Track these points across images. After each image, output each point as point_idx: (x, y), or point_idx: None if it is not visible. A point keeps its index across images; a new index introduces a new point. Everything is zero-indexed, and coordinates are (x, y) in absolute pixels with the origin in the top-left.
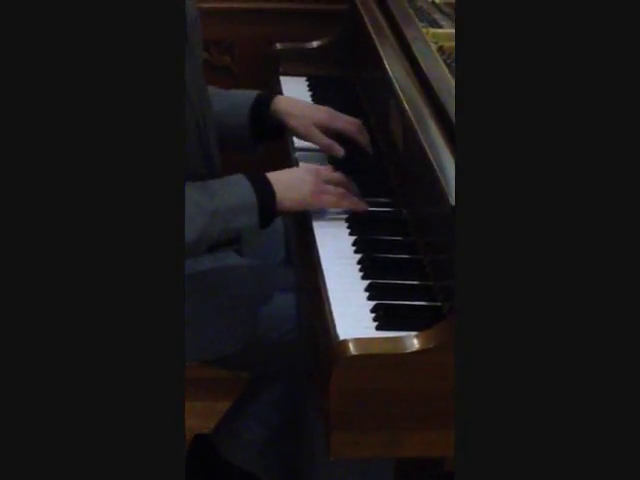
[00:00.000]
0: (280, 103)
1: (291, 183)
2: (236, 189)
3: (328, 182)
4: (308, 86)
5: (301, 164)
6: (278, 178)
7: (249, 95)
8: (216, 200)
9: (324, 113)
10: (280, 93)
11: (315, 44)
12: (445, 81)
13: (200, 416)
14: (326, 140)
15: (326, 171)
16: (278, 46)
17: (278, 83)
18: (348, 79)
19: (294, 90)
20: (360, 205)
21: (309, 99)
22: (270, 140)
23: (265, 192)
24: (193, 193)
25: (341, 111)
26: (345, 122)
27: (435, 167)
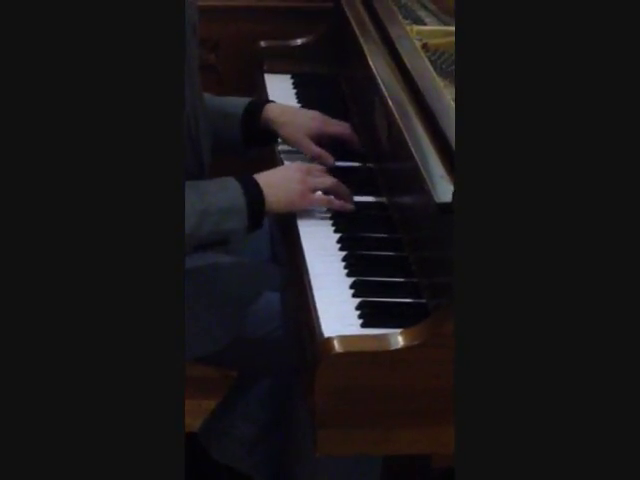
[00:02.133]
0: (271, 111)
1: (279, 184)
2: (226, 192)
3: (319, 178)
4: (293, 84)
5: (289, 162)
6: (267, 180)
7: (241, 102)
8: (207, 201)
9: (315, 121)
10: (264, 91)
11: (300, 42)
12: (429, 78)
13: (187, 414)
14: (317, 150)
15: (317, 169)
16: (262, 44)
17: (263, 81)
18: (333, 77)
19: (278, 88)
20: (348, 205)
21: (294, 97)
22: (261, 146)
23: (254, 196)
24: (185, 192)
25: (326, 109)
26: (337, 126)
27: (419, 164)
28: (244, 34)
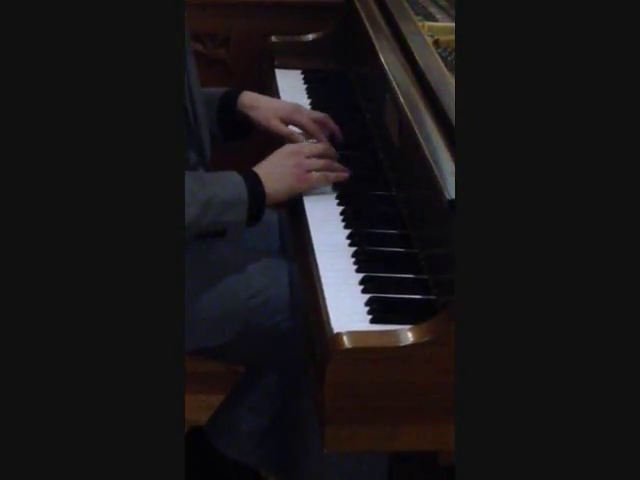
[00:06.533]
0: (245, 98)
1: (277, 173)
2: (229, 185)
3: (311, 157)
4: (303, 79)
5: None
6: (266, 172)
7: (217, 92)
8: (210, 192)
9: (287, 106)
10: (275, 86)
11: (310, 37)
12: (441, 75)
13: (193, 409)
14: (286, 130)
15: (308, 147)
16: (273, 39)
17: (273, 76)
18: (343, 72)
19: (289, 83)
20: (342, 175)
21: (304, 92)
22: (239, 137)
23: (256, 189)
24: (189, 182)
25: (336, 104)
26: (305, 119)
27: (430, 161)
28: (255, 29)
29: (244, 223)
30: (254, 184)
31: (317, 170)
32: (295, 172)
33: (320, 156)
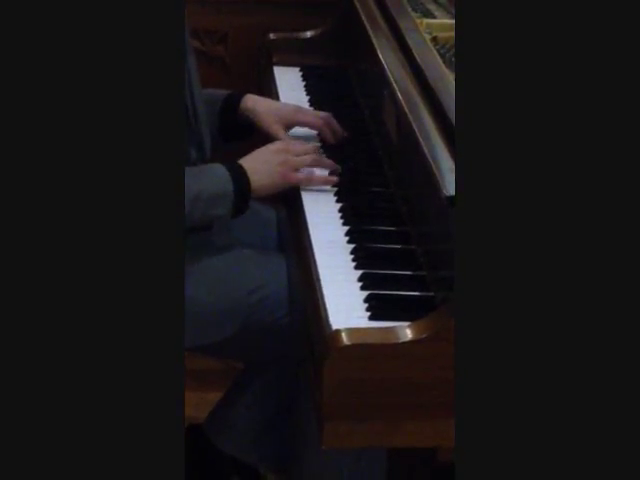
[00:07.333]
0: (248, 101)
1: (262, 169)
2: (216, 179)
3: (299, 155)
4: (302, 76)
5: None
6: (251, 166)
7: (219, 95)
8: (199, 186)
9: (288, 109)
10: (273, 83)
11: (309, 34)
12: (439, 72)
13: (191, 406)
14: (284, 137)
15: (297, 146)
16: (272, 36)
17: (272, 73)
18: (342, 69)
19: (288, 80)
20: (330, 178)
21: (303, 89)
22: (239, 139)
23: (241, 183)
24: None
25: (335, 101)
26: (310, 116)
27: (429, 158)
28: (253, 26)
29: (229, 217)
30: (239, 176)
31: (306, 166)
32: (280, 170)
33: (307, 154)
